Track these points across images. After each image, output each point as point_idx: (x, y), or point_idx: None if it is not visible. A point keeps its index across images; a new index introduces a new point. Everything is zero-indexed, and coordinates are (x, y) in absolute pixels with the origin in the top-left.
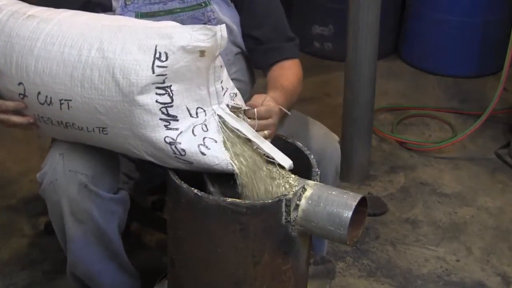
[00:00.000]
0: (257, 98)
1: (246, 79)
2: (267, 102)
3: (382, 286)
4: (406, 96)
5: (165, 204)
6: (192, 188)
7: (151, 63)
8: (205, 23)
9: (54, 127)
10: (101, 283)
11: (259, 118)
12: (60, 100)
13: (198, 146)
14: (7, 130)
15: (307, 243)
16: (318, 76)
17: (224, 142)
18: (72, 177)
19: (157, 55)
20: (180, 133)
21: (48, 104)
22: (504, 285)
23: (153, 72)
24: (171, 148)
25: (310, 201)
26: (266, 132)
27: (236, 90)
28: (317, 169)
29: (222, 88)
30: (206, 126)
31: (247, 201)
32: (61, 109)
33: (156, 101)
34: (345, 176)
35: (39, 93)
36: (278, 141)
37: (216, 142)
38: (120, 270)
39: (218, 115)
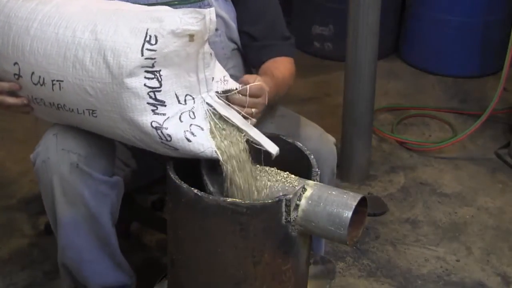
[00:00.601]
0: (248, 77)
1: (242, 75)
2: (258, 81)
3: (382, 286)
4: (406, 96)
5: (165, 204)
6: (192, 188)
7: (141, 46)
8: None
9: (46, 109)
10: (90, 276)
11: (250, 96)
12: (52, 81)
13: (184, 133)
14: (7, 130)
15: (307, 243)
16: (318, 76)
17: (211, 130)
18: (64, 155)
19: (147, 38)
20: (167, 118)
21: (41, 85)
22: (504, 285)
23: (142, 55)
24: (157, 133)
25: (310, 201)
26: (253, 110)
27: (226, 73)
28: (317, 169)
29: (212, 77)
30: (193, 113)
31: (247, 201)
32: (53, 90)
33: (145, 85)
34: (345, 176)
35: (33, 73)
36: (278, 141)
37: (202, 129)
38: (112, 264)
39: (207, 103)
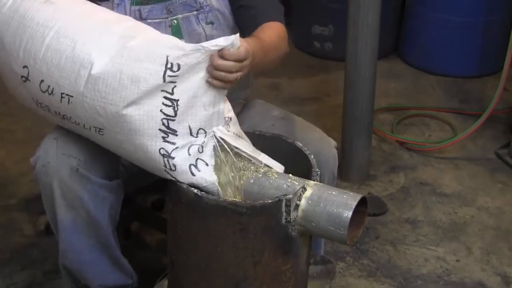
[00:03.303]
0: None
1: None
2: (241, 42)
3: (382, 286)
4: (406, 96)
5: (165, 204)
6: (192, 188)
7: (163, 72)
8: (197, 10)
9: (51, 115)
10: (91, 277)
11: (238, 60)
12: (62, 94)
13: (190, 166)
14: (7, 130)
15: (307, 243)
16: (318, 76)
17: (216, 166)
18: (64, 160)
19: (169, 66)
20: (176, 148)
21: (49, 94)
22: (504, 285)
23: (164, 81)
24: (163, 160)
25: (310, 201)
26: (239, 74)
27: (233, 114)
28: (317, 169)
29: (223, 110)
30: (202, 148)
31: (247, 201)
32: (61, 102)
33: (161, 111)
34: (345, 176)
35: (42, 81)
36: (278, 141)
37: (207, 165)
38: (112, 265)
39: (219, 137)
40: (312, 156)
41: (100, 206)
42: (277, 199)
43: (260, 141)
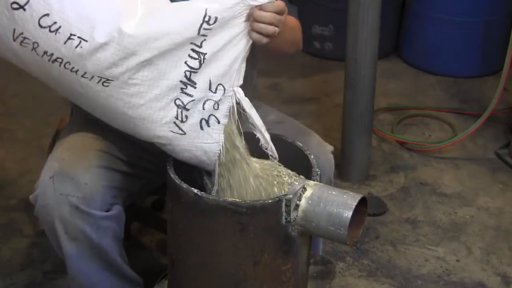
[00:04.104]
0: None
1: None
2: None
3: (382, 286)
4: (406, 96)
5: (165, 204)
6: (192, 188)
7: (199, 25)
8: None
9: (30, 55)
10: None
11: (277, 12)
12: (71, 35)
13: (201, 120)
14: (7, 130)
15: (307, 243)
16: (318, 76)
17: (225, 126)
18: (63, 199)
19: (206, 19)
20: (192, 101)
21: (51, 32)
22: (504, 285)
23: (198, 34)
24: (177, 111)
25: (310, 201)
26: (276, 29)
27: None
28: (317, 169)
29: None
30: (218, 105)
31: (247, 201)
32: (65, 43)
33: (185, 63)
34: (345, 176)
35: (47, 15)
36: (278, 141)
37: (218, 123)
38: (118, 278)
39: (238, 98)
40: (312, 156)
41: (103, 235)
42: (277, 199)
43: (260, 141)
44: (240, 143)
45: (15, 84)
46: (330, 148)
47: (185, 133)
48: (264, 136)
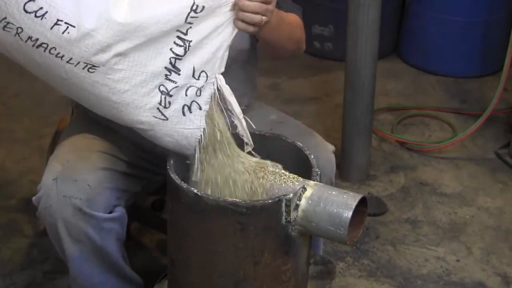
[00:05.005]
0: None
1: (246, 77)
2: None
3: (382, 286)
4: (406, 96)
5: (165, 204)
6: (192, 188)
7: (187, 13)
8: None
9: (17, 42)
10: None
11: (264, 2)
12: (58, 20)
13: (183, 106)
14: (7, 130)
15: (307, 243)
16: (318, 76)
17: (206, 113)
18: (66, 202)
19: (194, 7)
20: (176, 87)
21: (36, 17)
22: (504, 285)
23: (185, 22)
24: (161, 97)
25: (310, 201)
26: (264, 18)
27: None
28: (317, 169)
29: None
30: (200, 92)
31: (247, 201)
32: (51, 29)
33: (170, 49)
34: (345, 176)
35: (32, 0)
36: (278, 141)
37: (200, 109)
38: (120, 280)
39: (219, 85)
40: (312, 156)
41: (106, 237)
42: (277, 199)
43: (260, 141)
44: (224, 127)
45: (15, 84)
46: (331, 147)
47: (167, 119)
48: (242, 123)
